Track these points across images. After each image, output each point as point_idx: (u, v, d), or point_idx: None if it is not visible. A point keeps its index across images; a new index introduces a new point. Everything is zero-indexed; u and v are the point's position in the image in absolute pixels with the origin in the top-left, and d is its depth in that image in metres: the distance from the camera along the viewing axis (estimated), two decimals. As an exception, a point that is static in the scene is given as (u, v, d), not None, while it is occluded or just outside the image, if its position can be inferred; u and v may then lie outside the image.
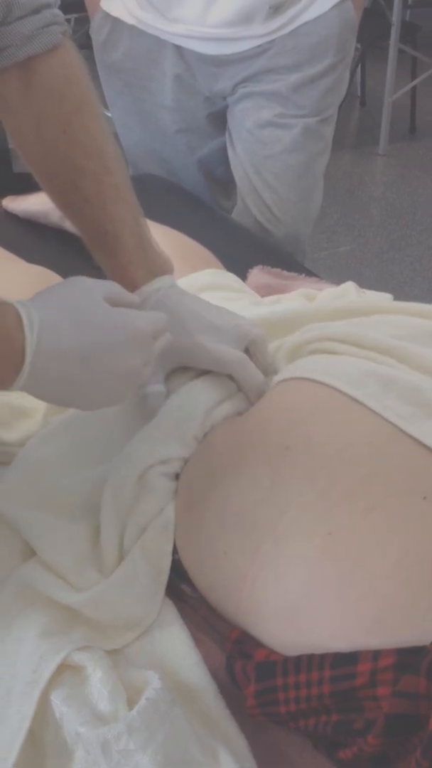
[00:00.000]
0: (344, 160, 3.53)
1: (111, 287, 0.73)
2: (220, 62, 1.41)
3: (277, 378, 0.83)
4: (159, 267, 0.86)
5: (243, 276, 1.22)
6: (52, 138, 0.81)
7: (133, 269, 0.83)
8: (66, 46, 0.83)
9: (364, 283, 2.48)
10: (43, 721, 0.65)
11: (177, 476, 0.79)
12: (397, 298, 3.08)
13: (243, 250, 1.35)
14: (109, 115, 1.63)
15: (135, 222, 0.84)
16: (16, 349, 0.64)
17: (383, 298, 1.11)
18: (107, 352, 0.69)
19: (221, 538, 0.70)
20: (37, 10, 0.79)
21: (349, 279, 1.11)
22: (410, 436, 0.69)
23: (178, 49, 1.42)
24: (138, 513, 0.75)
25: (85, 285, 0.71)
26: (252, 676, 0.62)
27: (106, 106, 1.63)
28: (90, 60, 1.53)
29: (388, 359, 0.78)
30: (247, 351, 0.85)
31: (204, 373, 0.85)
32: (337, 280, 2.76)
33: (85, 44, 1.51)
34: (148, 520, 0.75)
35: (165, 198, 1.49)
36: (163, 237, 1.16)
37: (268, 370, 0.87)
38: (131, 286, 0.83)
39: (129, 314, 0.71)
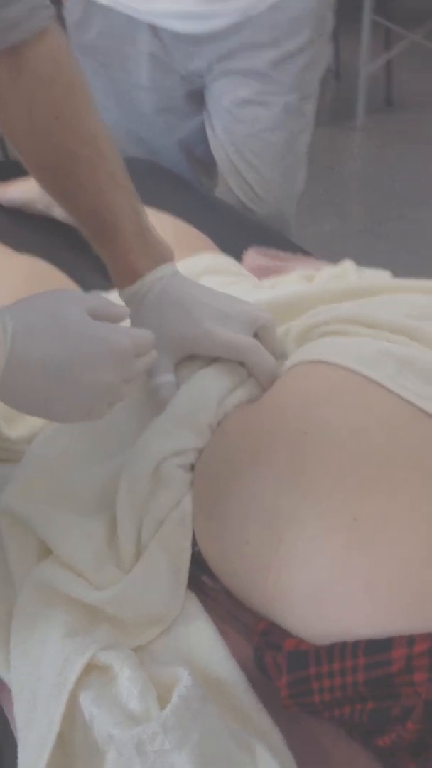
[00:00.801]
0: (322, 136, 3.47)
1: (96, 300, 0.70)
2: (196, 40, 1.38)
3: (288, 362, 0.82)
4: (160, 254, 0.84)
5: (237, 257, 1.20)
6: (44, 125, 0.79)
7: (134, 257, 0.81)
8: (53, 30, 0.80)
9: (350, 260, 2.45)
10: (71, 723, 0.64)
11: (192, 467, 0.78)
12: (382, 273, 3.02)
13: (233, 230, 1.33)
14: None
15: (133, 209, 0.82)
16: None
17: (383, 276, 1.10)
18: (82, 365, 0.65)
19: (242, 528, 0.69)
20: None
21: (333, 257, 1.10)
22: (430, 416, 0.68)
23: (153, 28, 1.39)
24: (154, 506, 0.73)
25: (68, 296, 0.69)
26: (284, 667, 0.61)
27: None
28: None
29: (401, 338, 0.77)
30: (256, 336, 0.83)
31: (213, 360, 0.83)
32: (321, 257, 2.75)
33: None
34: (165, 513, 0.74)
35: (148, 180, 1.47)
36: (156, 221, 1.14)
37: (278, 355, 0.85)
38: (133, 274, 0.81)
39: (111, 329, 0.68)
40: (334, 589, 0.61)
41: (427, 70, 3.89)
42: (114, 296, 0.87)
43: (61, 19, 1.52)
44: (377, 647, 0.57)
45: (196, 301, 0.81)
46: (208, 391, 0.79)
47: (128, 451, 0.77)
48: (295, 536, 0.65)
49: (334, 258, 1.11)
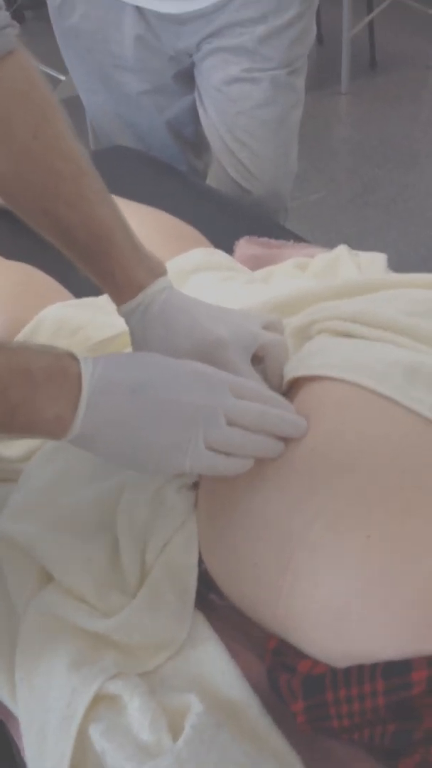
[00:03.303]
0: (306, 103, 3.40)
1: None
2: (183, 20, 1.34)
3: (288, 372, 0.78)
4: (155, 268, 0.80)
5: (229, 247, 1.17)
6: (24, 143, 0.75)
7: (134, 271, 0.78)
8: (20, 49, 0.77)
9: (340, 230, 2.41)
10: (83, 756, 0.62)
11: (195, 484, 0.75)
12: (374, 242, 3.00)
13: (225, 219, 1.30)
14: (63, 78, 1.55)
15: (123, 224, 0.79)
16: (72, 382, 0.63)
17: (377, 259, 1.07)
18: (167, 384, 0.65)
19: (250, 549, 0.66)
20: None
21: (323, 227, 1.07)
22: None
23: (138, 9, 1.35)
24: (159, 528, 0.71)
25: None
26: (299, 692, 0.59)
27: (65, 71, 1.56)
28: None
29: (405, 339, 0.74)
30: (255, 357, 0.79)
31: None
32: (312, 229, 2.67)
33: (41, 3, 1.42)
34: (170, 535, 0.71)
35: (138, 170, 1.43)
36: (145, 218, 1.11)
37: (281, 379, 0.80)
38: (134, 287, 0.78)
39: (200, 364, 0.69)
40: (350, 611, 0.59)
41: (409, 28, 3.82)
42: (104, 299, 0.84)
43: (26, 8, 1.47)
44: (396, 670, 0.55)
45: (202, 310, 0.78)
46: None
47: (126, 470, 0.74)
48: (307, 557, 0.62)
49: (324, 229, 1.08)
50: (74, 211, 0.76)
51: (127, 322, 0.80)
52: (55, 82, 1.66)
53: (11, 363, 0.62)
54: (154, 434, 0.65)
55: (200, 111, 1.47)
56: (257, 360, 0.78)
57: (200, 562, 0.72)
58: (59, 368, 0.64)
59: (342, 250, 1.05)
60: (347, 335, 0.78)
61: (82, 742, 0.62)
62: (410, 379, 0.67)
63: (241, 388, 0.68)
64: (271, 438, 0.68)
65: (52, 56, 1.57)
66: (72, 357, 0.65)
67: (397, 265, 1.09)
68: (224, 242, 1.17)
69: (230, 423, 0.66)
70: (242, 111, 1.41)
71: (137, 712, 0.61)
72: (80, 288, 0.99)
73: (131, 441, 0.65)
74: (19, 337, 0.92)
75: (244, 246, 1.16)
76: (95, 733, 0.61)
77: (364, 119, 3.34)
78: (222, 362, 0.76)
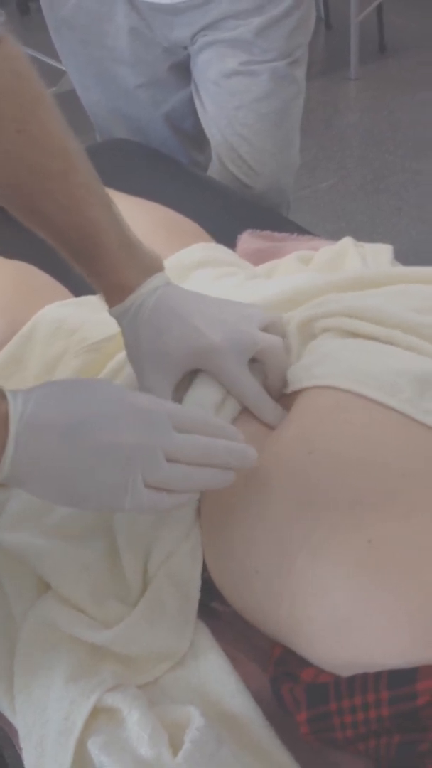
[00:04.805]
0: (315, 89, 3.38)
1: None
2: (175, 10, 1.31)
3: (293, 381, 0.75)
4: (149, 265, 0.78)
5: (231, 240, 1.15)
6: (10, 139, 0.72)
7: (122, 270, 0.75)
8: (8, 39, 0.74)
9: (351, 218, 2.37)
10: (81, 768, 0.61)
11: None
12: (385, 230, 2.95)
13: (227, 212, 1.27)
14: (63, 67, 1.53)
15: (114, 221, 0.77)
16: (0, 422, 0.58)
17: (383, 250, 1.04)
18: (98, 426, 0.60)
19: (251, 557, 0.65)
20: None
21: (334, 215, 1.04)
22: None
23: (130, 1, 1.33)
24: (163, 538, 0.69)
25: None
26: (303, 702, 0.57)
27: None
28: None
29: (412, 337, 0.71)
30: (254, 359, 0.76)
31: (195, 377, 0.77)
32: (323, 217, 2.64)
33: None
34: (175, 545, 0.69)
35: (139, 163, 1.41)
36: (146, 214, 1.09)
37: (282, 381, 0.78)
38: (122, 289, 0.76)
39: (131, 391, 0.64)
40: (354, 618, 0.57)
41: (418, 11, 3.77)
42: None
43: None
44: (401, 679, 0.53)
45: (196, 311, 0.75)
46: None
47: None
48: (308, 563, 0.60)
49: (335, 217, 1.05)
50: (62, 209, 0.74)
51: (119, 324, 0.78)
52: (59, 74, 1.63)
53: None
54: (88, 478, 0.60)
55: (198, 106, 1.44)
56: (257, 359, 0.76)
57: (204, 569, 0.70)
58: None
59: (347, 241, 1.02)
60: (353, 334, 0.75)
61: (81, 756, 0.61)
62: (422, 389, 0.65)
63: (185, 421, 0.64)
64: (218, 470, 0.64)
65: (55, 48, 1.54)
66: (1, 395, 0.60)
67: (410, 252, 1.07)
68: (227, 235, 1.14)
69: (171, 459, 0.62)
70: (242, 105, 1.38)
71: (137, 726, 0.59)
72: (79, 286, 0.98)
73: (64, 484, 0.61)
74: (16, 337, 0.91)
75: (247, 240, 1.14)
76: (94, 746, 0.60)
77: (374, 105, 3.29)
78: (216, 369, 0.74)
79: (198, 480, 0.63)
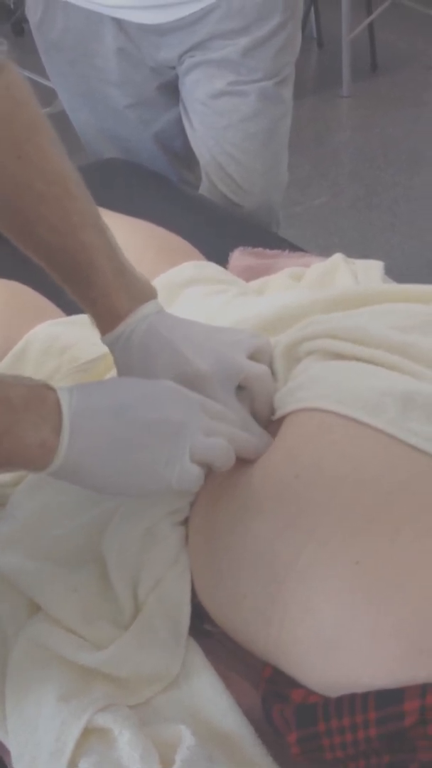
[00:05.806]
0: (308, 107, 3.41)
1: None
2: (162, 30, 1.32)
3: (279, 407, 0.75)
4: (141, 292, 0.78)
5: (223, 258, 1.15)
6: (6, 165, 0.73)
7: (115, 297, 0.76)
8: (9, 67, 0.75)
9: (343, 234, 2.39)
10: (73, 790, 0.61)
11: (185, 520, 0.74)
12: (377, 246, 2.97)
13: (217, 230, 1.28)
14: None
15: (108, 247, 0.77)
16: (51, 409, 0.62)
17: (374, 266, 1.04)
18: (145, 404, 0.65)
19: (238, 581, 0.65)
20: None
21: (326, 232, 1.05)
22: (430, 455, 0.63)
23: (117, 21, 1.34)
24: (151, 563, 0.70)
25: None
26: (292, 722, 0.57)
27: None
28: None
29: (396, 357, 0.72)
30: (241, 386, 0.77)
31: None
32: (315, 234, 2.66)
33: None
34: (164, 571, 0.70)
35: (129, 182, 1.42)
36: (136, 233, 1.09)
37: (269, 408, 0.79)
38: (115, 316, 0.76)
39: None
40: (341, 639, 0.57)
41: (409, 29, 3.80)
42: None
43: (24, 20, 1.46)
44: (388, 699, 0.54)
45: (185, 339, 0.76)
46: None
47: (111, 499, 0.73)
48: (296, 587, 0.61)
49: (328, 233, 1.06)
50: (56, 234, 0.75)
51: (111, 351, 0.79)
52: (53, 94, 1.65)
53: None
54: (142, 454, 0.65)
55: (186, 126, 1.45)
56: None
57: (194, 595, 0.70)
58: (36, 396, 0.62)
59: (338, 258, 1.03)
60: (338, 355, 0.76)
61: (72, 776, 0.60)
62: (405, 409, 0.66)
63: (212, 409, 0.71)
64: (252, 436, 0.72)
65: (47, 69, 1.56)
66: (47, 386, 0.64)
67: (403, 268, 1.08)
68: (218, 253, 1.15)
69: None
70: (230, 125, 1.39)
71: (128, 746, 0.59)
72: (71, 306, 0.98)
73: (117, 464, 0.64)
74: (9, 356, 0.91)
75: (239, 257, 1.14)
76: (86, 766, 0.60)
77: (366, 122, 3.32)
78: (203, 395, 0.75)
79: (237, 443, 0.70)
